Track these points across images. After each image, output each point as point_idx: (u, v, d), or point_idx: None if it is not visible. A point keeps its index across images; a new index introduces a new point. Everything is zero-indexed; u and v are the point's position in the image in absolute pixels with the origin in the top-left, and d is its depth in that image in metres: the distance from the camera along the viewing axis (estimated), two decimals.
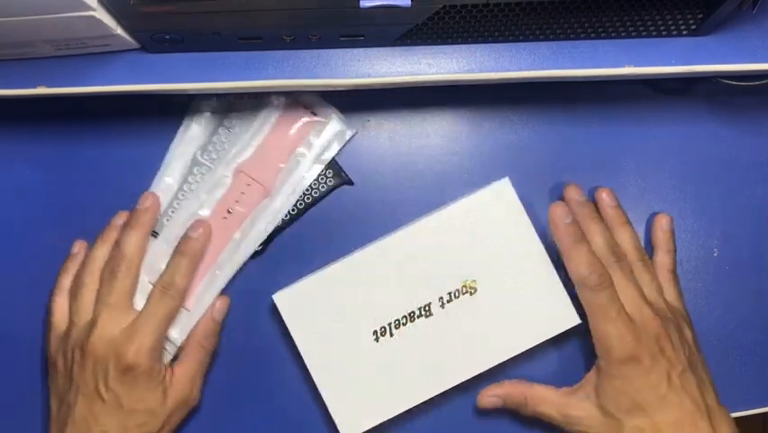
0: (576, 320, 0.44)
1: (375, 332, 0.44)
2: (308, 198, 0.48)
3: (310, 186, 0.48)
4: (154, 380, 0.43)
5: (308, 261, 0.47)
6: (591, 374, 0.43)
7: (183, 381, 0.44)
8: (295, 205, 0.48)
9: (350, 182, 0.49)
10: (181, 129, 0.48)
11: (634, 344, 0.40)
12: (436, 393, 0.44)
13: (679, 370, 0.41)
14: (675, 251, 0.47)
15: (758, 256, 0.49)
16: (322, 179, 0.48)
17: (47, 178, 0.49)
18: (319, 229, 0.49)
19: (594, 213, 0.45)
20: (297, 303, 0.44)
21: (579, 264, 0.42)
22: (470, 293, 0.44)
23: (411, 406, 0.44)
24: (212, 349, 0.46)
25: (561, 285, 0.44)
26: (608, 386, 0.41)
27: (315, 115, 0.48)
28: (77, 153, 0.49)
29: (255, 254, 0.48)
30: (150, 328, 0.43)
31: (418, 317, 0.44)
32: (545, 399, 0.44)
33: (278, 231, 0.48)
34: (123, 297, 0.44)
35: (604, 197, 0.46)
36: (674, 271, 0.46)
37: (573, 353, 0.48)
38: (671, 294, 0.45)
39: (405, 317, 0.44)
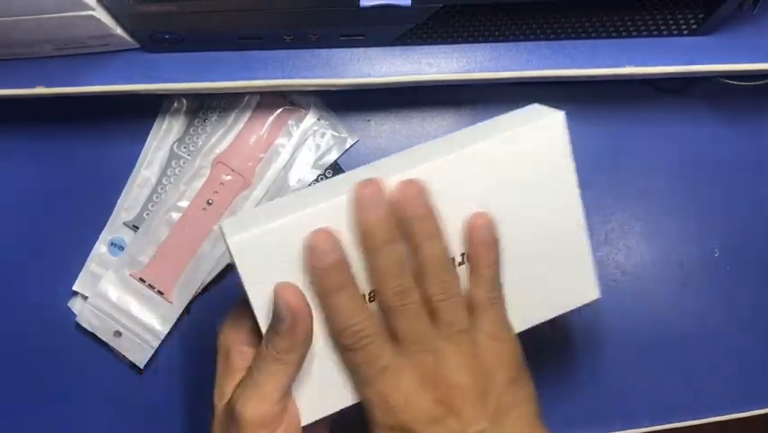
0: (597, 294, 0.38)
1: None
2: None
3: (310, 186, 0.48)
4: None
5: None
6: None
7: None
8: None
9: None
10: (157, 122, 0.48)
11: None
12: None
13: None
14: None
15: (759, 256, 0.49)
16: (321, 178, 0.48)
17: (46, 177, 0.49)
18: None
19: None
20: (262, 250, 0.32)
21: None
22: None
23: None
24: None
25: (589, 250, 0.37)
26: None
27: (293, 104, 0.48)
28: (74, 152, 0.49)
29: None
30: None
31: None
32: None
33: None
34: None
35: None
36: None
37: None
38: None
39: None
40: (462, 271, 0.34)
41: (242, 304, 0.34)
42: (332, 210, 0.32)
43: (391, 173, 0.33)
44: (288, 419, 0.33)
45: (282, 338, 0.31)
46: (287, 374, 0.32)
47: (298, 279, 0.32)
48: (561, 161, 0.35)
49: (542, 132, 0.34)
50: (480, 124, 0.36)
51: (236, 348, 0.34)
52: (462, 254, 0.34)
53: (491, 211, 0.34)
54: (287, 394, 0.32)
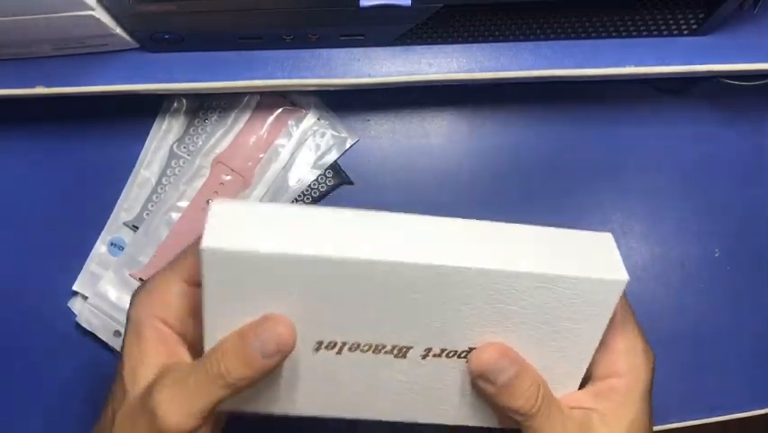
0: None
1: (320, 342, 0.31)
2: (308, 199, 0.48)
3: (310, 186, 0.48)
4: None
5: None
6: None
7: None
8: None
9: (350, 182, 0.49)
10: (157, 122, 0.48)
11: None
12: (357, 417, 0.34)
13: None
14: None
15: (759, 257, 0.49)
16: (321, 179, 0.48)
17: (45, 176, 0.49)
18: None
19: None
20: (241, 271, 0.28)
21: None
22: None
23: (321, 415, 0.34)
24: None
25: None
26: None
27: (293, 104, 0.48)
28: (74, 152, 0.49)
29: None
30: None
31: (386, 352, 0.32)
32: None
33: None
34: None
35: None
36: None
37: None
38: None
39: (369, 345, 0.31)
40: (443, 363, 0.33)
41: (164, 274, 0.31)
42: (338, 263, 0.29)
43: (428, 253, 0.29)
44: (215, 424, 0.31)
45: (248, 368, 0.29)
46: (228, 397, 0.29)
47: (274, 308, 0.30)
48: (597, 319, 0.32)
49: (595, 289, 0.31)
50: (537, 231, 0.32)
51: (151, 324, 0.31)
52: (428, 349, 0.32)
53: (494, 332, 0.32)
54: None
